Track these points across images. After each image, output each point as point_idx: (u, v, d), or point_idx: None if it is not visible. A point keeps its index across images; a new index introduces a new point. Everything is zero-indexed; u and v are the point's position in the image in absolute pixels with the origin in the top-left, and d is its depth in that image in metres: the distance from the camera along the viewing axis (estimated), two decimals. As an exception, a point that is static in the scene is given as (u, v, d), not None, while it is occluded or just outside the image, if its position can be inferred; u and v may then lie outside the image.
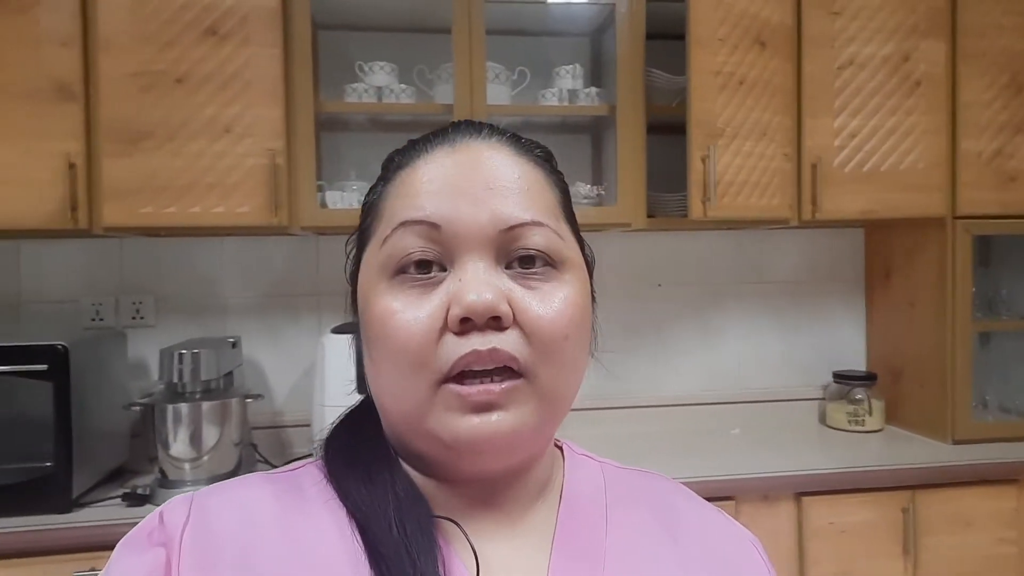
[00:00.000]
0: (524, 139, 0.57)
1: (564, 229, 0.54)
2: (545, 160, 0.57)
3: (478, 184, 0.51)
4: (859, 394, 2.21)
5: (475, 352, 0.48)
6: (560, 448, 0.63)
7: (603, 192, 2.00)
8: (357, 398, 0.60)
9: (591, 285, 0.57)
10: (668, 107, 2.05)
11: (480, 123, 0.56)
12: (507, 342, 0.48)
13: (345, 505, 0.51)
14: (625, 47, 1.94)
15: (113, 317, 2.02)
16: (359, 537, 0.49)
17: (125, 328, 2.00)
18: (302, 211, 1.80)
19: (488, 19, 1.87)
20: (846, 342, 2.40)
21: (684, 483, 0.64)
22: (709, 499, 0.64)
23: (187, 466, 1.65)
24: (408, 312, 0.49)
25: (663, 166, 2.04)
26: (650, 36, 1.96)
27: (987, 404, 2.24)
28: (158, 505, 0.54)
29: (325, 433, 0.58)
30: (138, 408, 1.68)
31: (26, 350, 1.57)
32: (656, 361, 2.30)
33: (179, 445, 1.64)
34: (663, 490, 0.62)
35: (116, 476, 1.81)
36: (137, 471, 1.86)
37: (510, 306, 0.49)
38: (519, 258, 0.51)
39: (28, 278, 2.00)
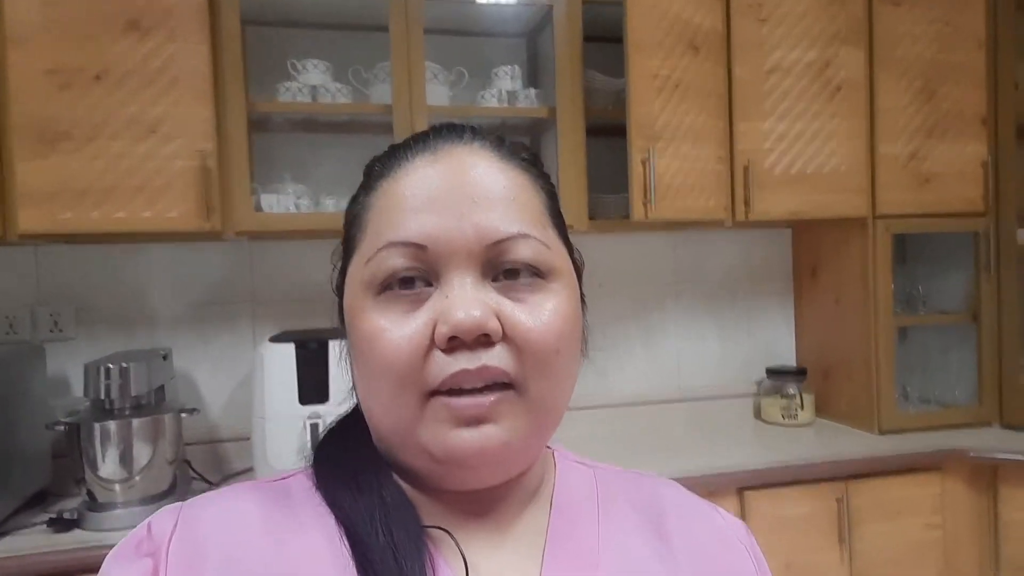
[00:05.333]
0: (508, 142, 0.55)
1: (551, 236, 0.53)
2: (531, 164, 0.56)
3: (462, 198, 0.50)
4: (791, 389, 2.28)
5: (464, 371, 0.47)
6: (552, 452, 0.63)
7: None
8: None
9: (580, 288, 0.56)
10: (606, 110, 2.08)
11: (462, 126, 0.55)
12: (497, 358, 0.48)
13: (333, 512, 0.51)
14: (563, 49, 1.94)
15: (29, 330, 1.89)
16: (347, 544, 0.49)
17: (43, 342, 1.87)
18: (236, 215, 1.73)
19: (425, 17, 1.84)
20: (778, 339, 2.48)
21: None
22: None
23: (118, 487, 1.55)
24: (395, 330, 0.49)
25: (602, 168, 2.05)
26: (586, 38, 1.97)
27: (908, 396, 2.35)
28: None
29: (316, 441, 0.58)
30: (62, 427, 1.57)
31: (-67, 369, 1.45)
32: (599, 362, 2.32)
33: (108, 465, 1.54)
34: (653, 490, 0.62)
35: (38, 500, 1.69)
36: (61, 494, 1.74)
37: (499, 320, 0.48)
38: (506, 271, 0.50)
39: (-71, 290, 1.85)
